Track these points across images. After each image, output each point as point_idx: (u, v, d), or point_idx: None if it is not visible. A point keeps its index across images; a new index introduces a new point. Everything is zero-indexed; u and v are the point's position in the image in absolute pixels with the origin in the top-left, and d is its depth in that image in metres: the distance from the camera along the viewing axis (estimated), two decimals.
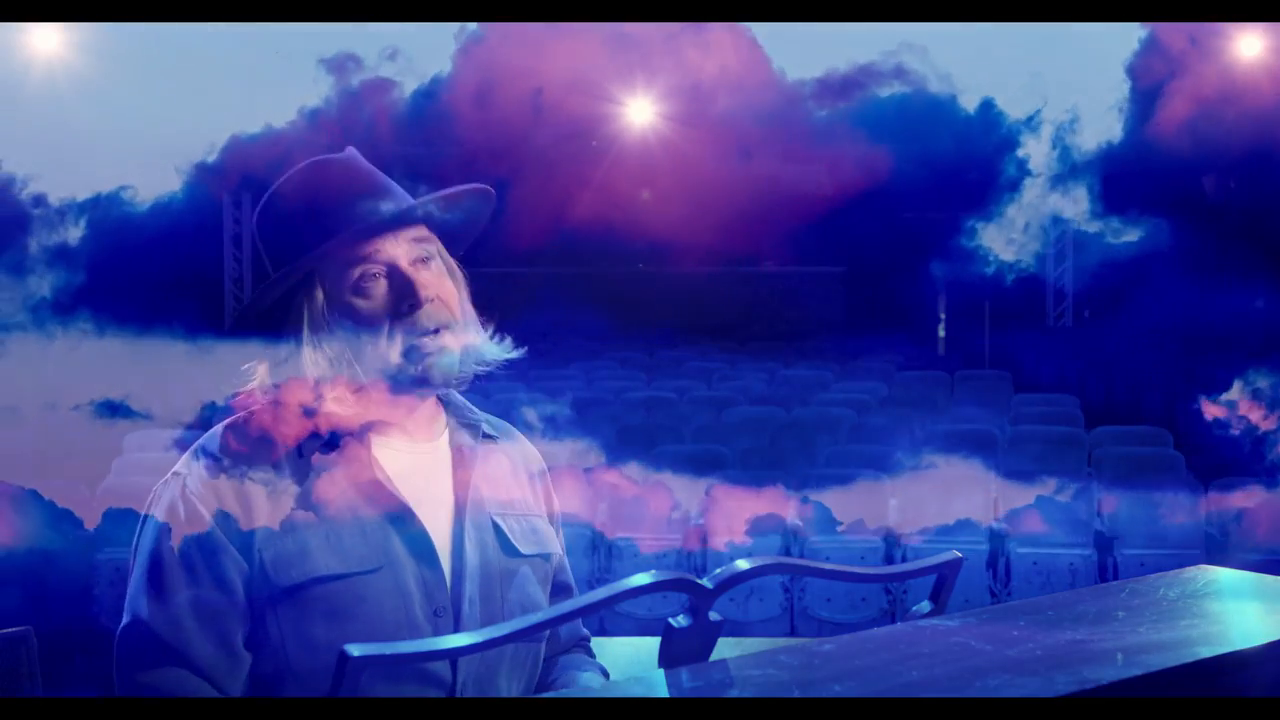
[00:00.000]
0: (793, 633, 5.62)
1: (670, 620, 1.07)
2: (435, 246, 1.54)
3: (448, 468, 1.57)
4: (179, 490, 1.46)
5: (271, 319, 1.51)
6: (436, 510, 1.53)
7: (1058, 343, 12.21)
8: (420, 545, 1.48)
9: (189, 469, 1.48)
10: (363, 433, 1.50)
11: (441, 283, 1.52)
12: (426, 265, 1.52)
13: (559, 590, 1.66)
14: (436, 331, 1.49)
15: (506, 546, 1.56)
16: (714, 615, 1.07)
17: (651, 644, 1.08)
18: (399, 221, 1.50)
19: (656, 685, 0.98)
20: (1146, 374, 10.08)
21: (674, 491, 6.08)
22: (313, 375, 1.48)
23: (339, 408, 1.48)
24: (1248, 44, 10.29)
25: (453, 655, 1.26)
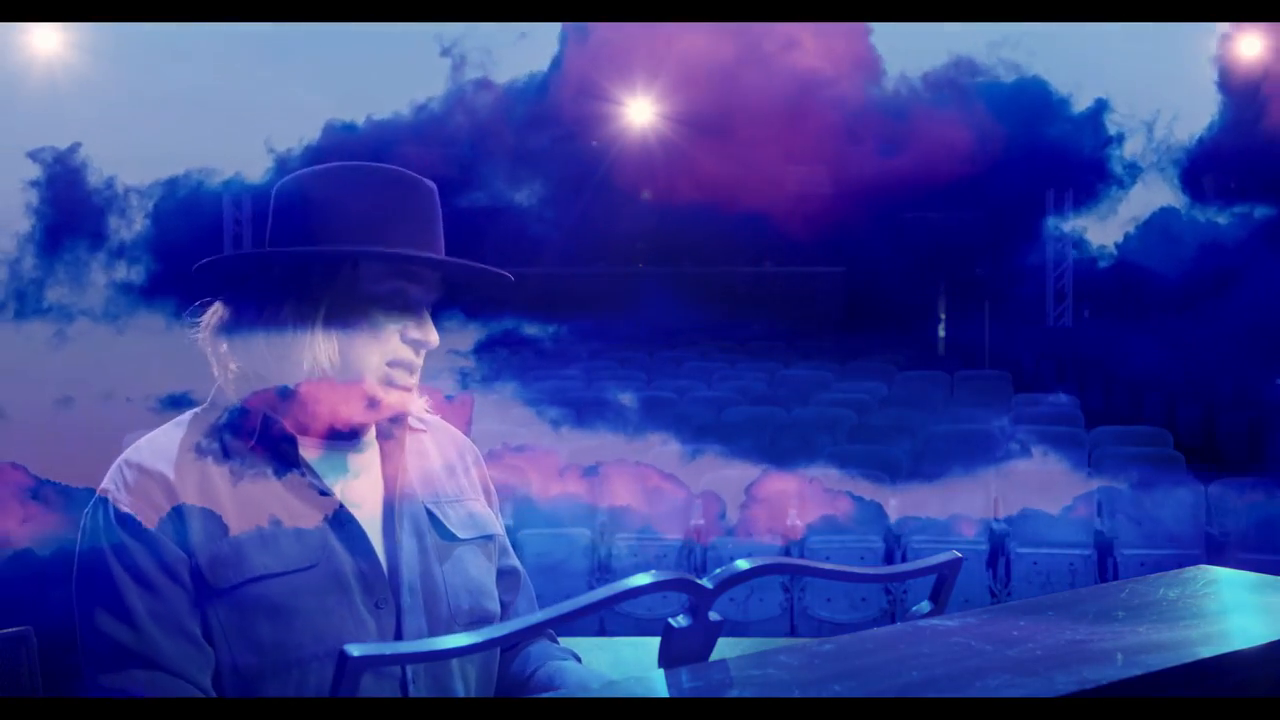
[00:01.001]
0: (793, 633, 5.62)
1: (670, 620, 1.06)
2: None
3: (376, 462, 1.58)
4: (109, 505, 1.45)
5: (278, 281, 1.49)
6: (368, 504, 1.54)
7: (1058, 343, 12.21)
8: (354, 539, 1.49)
9: (115, 483, 1.47)
10: (291, 434, 1.50)
11: (435, 334, 1.55)
12: (433, 316, 1.55)
13: (505, 574, 1.66)
14: (415, 371, 1.52)
15: (443, 532, 1.57)
16: (714, 615, 1.07)
17: (651, 644, 1.08)
18: (452, 269, 1.52)
19: (656, 685, 0.98)
20: (1149, 373, 10.08)
21: (679, 490, 6.08)
22: (304, 350, 1.47)
23: (269, 410, 1.49)
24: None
25: (452, 655, 1.26)
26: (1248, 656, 0.98)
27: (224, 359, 1.52)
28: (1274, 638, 1.00)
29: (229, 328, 1.51)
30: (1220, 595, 1.15)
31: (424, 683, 1.49)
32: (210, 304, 1.55)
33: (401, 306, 1.50)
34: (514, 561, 1.68)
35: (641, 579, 1.03)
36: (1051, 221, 12.15)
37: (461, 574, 1.56)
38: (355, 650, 0.93)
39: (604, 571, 5.82)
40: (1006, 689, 0.90)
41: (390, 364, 1.49)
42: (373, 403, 1.51)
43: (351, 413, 1.52)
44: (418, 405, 1.58)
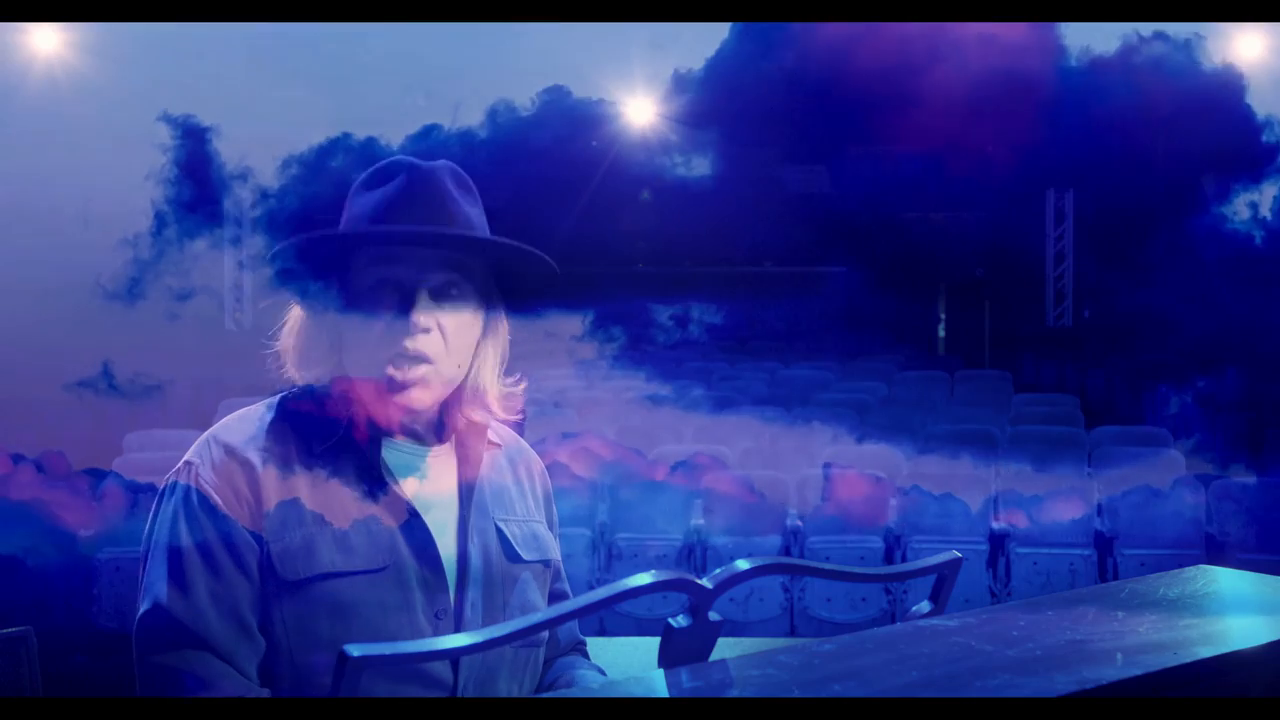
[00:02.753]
0: (793, 633, 5.62)
1: (670, 620, 1.06)
2: (470, 290, 1.53)
3: (453, 471, 1.58)
4: (192, 478, 1.48)
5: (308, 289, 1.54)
6: (441, 513, 1.54)
7: (1058, 343, 12.22)
8: (424, 547, 1.50)
9: (201, 457, 1.49)
10: (373, 432, 1.52)
11: (453, 318, 1.51)
12: (446, 298, 1.51)
13: (555, 597, 1.68)
14: (419, 361, 1.49)
15: (509, 552, 1.57)
16: (714, 615, 1.07)
17: (651, 644, 1.08)
18: (412, 239, 1.50)
19: (656, 685, 0.98)
20: (1149, 373, 10.07)
21: (678, 489, 6.09)
22: (301, 347, 1.52)
23: (355, 405, 1.51)
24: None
25: (453, 655, 1.26)
26: (1248, 656, 0.98)
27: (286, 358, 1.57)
28: (1274, 638, 1.00)
29: (292, 331, 1.56)
30: (1220, 595, 1.15)
31: (473, 695, 1.50)
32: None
33: (390, 294, 1.49)
34: (565, 587, 1.70)
35: (641, 579, 1.03)
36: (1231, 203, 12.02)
37: (520, 596, 1.57)
38: (355, 650, 0.93)
39: (604, 571, 5.82)
40: (1006, 689, 0.90)
41: (391, 357, 1.48)
42: (384, 399, 1.51)
43: (378, 410, 1.52)
44: (428, 398, 1.53)
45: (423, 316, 1.48)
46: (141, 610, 1.45)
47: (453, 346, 1.51)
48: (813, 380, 9.35)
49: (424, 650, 1.02)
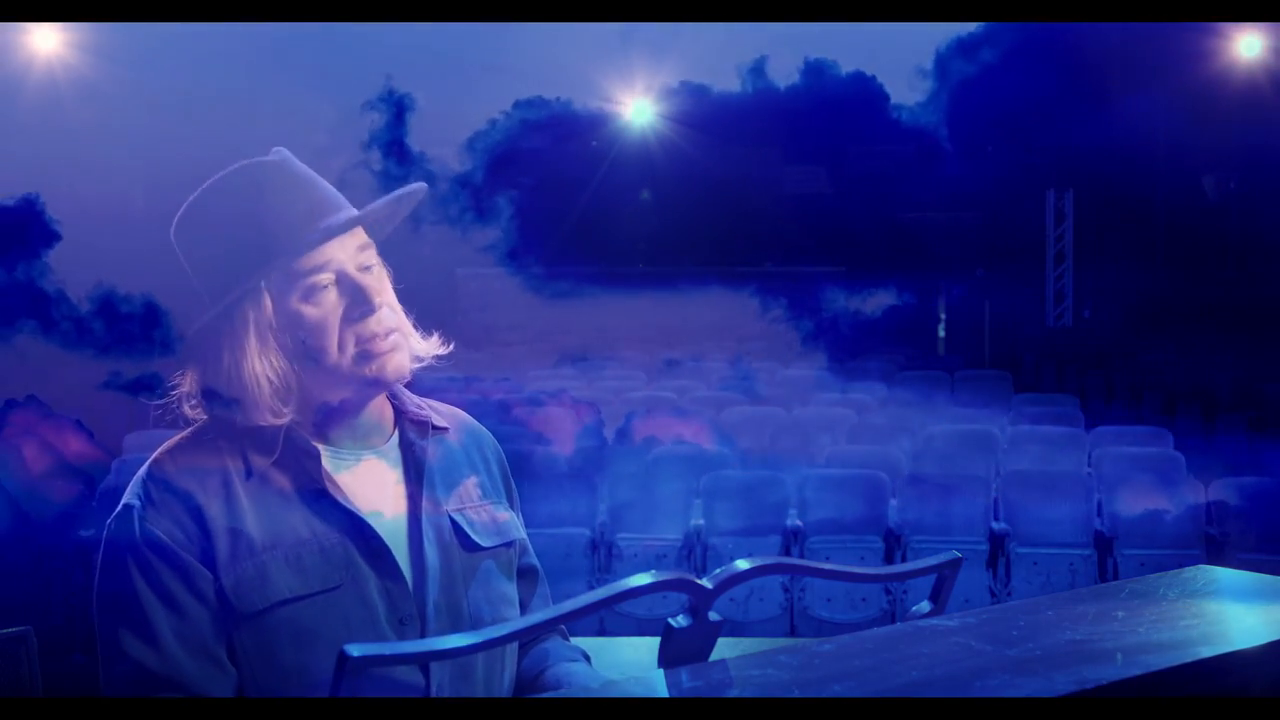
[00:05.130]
0: (793, 633, 5.62)
1: (670, 620, 1.06)
2: (374, 251, 1.52)
3: (399, 470, 1.55)
4: (134, 522, 1.44)
5: (208, 331, 1.47)
6: (392, 516, 1.51)
7: (1058, 343, 12.22)
8: (379, 556, 1.47)
9: (139, 498, 1.45)
10: (311, 444, 1.48)
11: (385, 288, 1.50)
12: (370, 271, 1.49)
13: (525, 573, 1.65)
14: (388, 335, 1.48)
15: (467, 542, 1.54)
16: (714, 615, 1.07)
17: (651, 644, 1.08)
18: (345, 229, 1.47)
19: (656, 685, 0.98)
20: (1149, 373, 10.07)
21: (677, 490, 6.09)
22: (257, 389, 1.44)
23: (284, 418, 1.46)
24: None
25: (454, 655, 1.26)
26: (1247, 656, 0.98)
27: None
28: (1274, 638, 1.00)
29: (200, 391, 1.49)
30: (1220, 595, 1.15)
31: (449, 688, 1.47)
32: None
33: (335, 287, 1.46)
34: (533, 560, 1.67)
35: (641, 579, 1.03)
36: None
37: (484, 585, 1.54)
38: (355, 650, 0.93)
39: (604, 571, 5.82)
40: (1006, 689, 0.90)
41: (358, 343, 1.45)
42: (369, 382, 1.47)
43: (359, 400, 1.49)
44: (422, 347, 1.52)
45: (375, 296, 1.46)
46: (107, 666, 1.42)
47: (399, 312, 1.50)
48: (813, 380, 9.35)
49: (425, 650, 1.02)
